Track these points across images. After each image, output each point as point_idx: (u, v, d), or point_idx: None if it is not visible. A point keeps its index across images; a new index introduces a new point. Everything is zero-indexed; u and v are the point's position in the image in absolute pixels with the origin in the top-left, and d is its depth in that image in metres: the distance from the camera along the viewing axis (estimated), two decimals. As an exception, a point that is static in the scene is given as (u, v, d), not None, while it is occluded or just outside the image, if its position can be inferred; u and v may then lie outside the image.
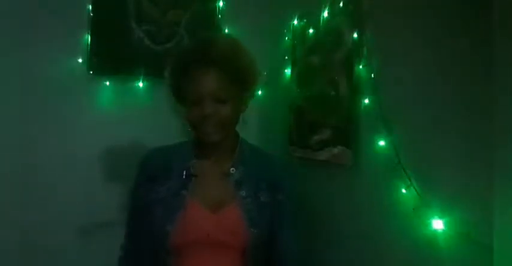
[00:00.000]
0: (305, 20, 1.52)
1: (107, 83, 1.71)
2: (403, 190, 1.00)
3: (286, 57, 1.66)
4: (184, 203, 1.07)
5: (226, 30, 1.78)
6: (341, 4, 1.30)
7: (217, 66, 1.05)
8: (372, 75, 1.14)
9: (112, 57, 1.70)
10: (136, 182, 1.17)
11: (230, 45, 1.10)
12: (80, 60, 1.67)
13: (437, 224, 0.89)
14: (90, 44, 1.67)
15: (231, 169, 1.12)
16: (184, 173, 1.10)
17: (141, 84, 1.74)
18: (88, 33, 1.68)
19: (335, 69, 1.31)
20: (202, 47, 1.09)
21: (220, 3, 1.80)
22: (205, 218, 1.06)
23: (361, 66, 1.19)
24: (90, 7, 1.67)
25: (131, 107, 1.73)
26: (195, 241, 1.06)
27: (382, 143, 1.09)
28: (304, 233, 1.24)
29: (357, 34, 1.21)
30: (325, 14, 1.39)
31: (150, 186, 1.12)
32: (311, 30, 1.48)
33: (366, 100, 1.17)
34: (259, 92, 1.75)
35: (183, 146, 1.17)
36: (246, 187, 1.10)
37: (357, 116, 1.21)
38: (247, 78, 1.11)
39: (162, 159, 1.16)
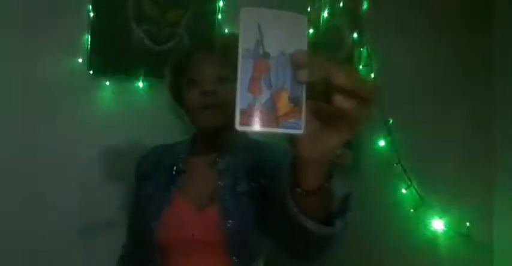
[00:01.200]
0: (305, 20, 1.52)
1: (107, 83, 1.71)
2: (403, 190, 1.00)
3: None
4: (171, 200, 1.05)
5: (226, 30, 1.78)
6: (341, 4, 1.30)
7: (218, 50, 1.04)
8: (372, 75, 1.14)
9: (112, 57, 1.70)
10: (133, 181, 1.18)
11: (231, 35, 1.12)
12: (80, 60, 1.67)
13: (437, 224, 0.89)
14: (90, 44, 1.67)
15: (217, 159, 1.08)
16: (174, 169, 1.09)
17: (141, 84, 1.74)
18: (88, 33, 1.67)
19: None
20: (203, 39, 1.10)
21: (220, 3, 1.80)
22: (190, 217, 1.02)
23: (361, 66, 1.20)
24: (90, 7, 1.67)
25: (131, 107, 1.73)
26: (180, 240, 1.02)
27: (382, 143, 1.09)
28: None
29: (357, 34, 1.21)
30: (325, 14, 1.39)
31: (144, 183, 1.12)
32: (311, 30, 1.48)
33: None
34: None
35: (181, 143, 1.17)
36: (226, 177, 1.04)
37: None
38: None
39: (157, 156, 1.16)
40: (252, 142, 1.13)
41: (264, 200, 0.94)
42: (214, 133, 1.06)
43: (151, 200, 1.07)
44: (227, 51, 1.04)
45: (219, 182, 1.04)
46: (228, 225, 0.98)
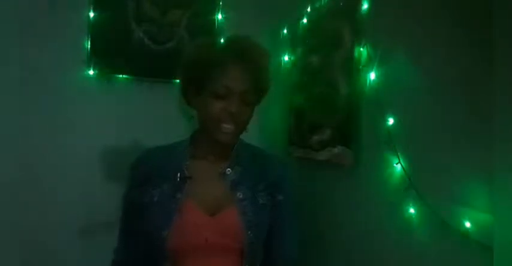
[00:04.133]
0: (305, 20, 1.52)
1: (107, 83, 1.71)
2: (403, 190, 1.00)
3: (286, 57, 1.66)
4: (180, 207, 1.04)
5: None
6: (341, 4, 1.30)
7: (253, 67, 1.06)
8: (372, 74, 1.14)
9: (112, 57, 1.70)
10: (129, 185, 1.14)
11: (265, 51, 1.12)
12: (80, 60, 1.67)
13: (438, 224, 0.89)
14: (90, 44, 1.67)
15: (227, 169, 1.10)
16: (179, 175, 1.08)
17: (141, 84, 1.74)
18: (88, 33, 1.68)
19: (335, 69, 1.32)
20: (243, 45, 1.09)
21: (220, 3, 1.80)
22: (203, 222, 1.04)
23: (361, 66, 1.19)
24: (90, 7, 1.67)
25: (131, 107, 1.73)
26: (193, 245, 1.03)
27: (382, 143, 1.09)
28: (303, 233, 1.24)
29: (357, 34, 1.21)
30: (325, 14, 1.39)
31: (144, 188, 1.09)
32: (311, 30, 1.48)
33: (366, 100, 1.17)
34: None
35: (179, 146, 1.15)
36: (243, 188, 1.08)
37: (357, 116, 1.21)
38: (267, 87, 1.13)
39: (156, 160, 1.13)
40: (254, 151, 1.17)
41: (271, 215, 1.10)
42: (224, 145, 1.08)
43: (158, 208, 1.06)
44: (259, 64, 1.06)
45: (238, 194, 1.07)
46: (251, 235, 1.04)
